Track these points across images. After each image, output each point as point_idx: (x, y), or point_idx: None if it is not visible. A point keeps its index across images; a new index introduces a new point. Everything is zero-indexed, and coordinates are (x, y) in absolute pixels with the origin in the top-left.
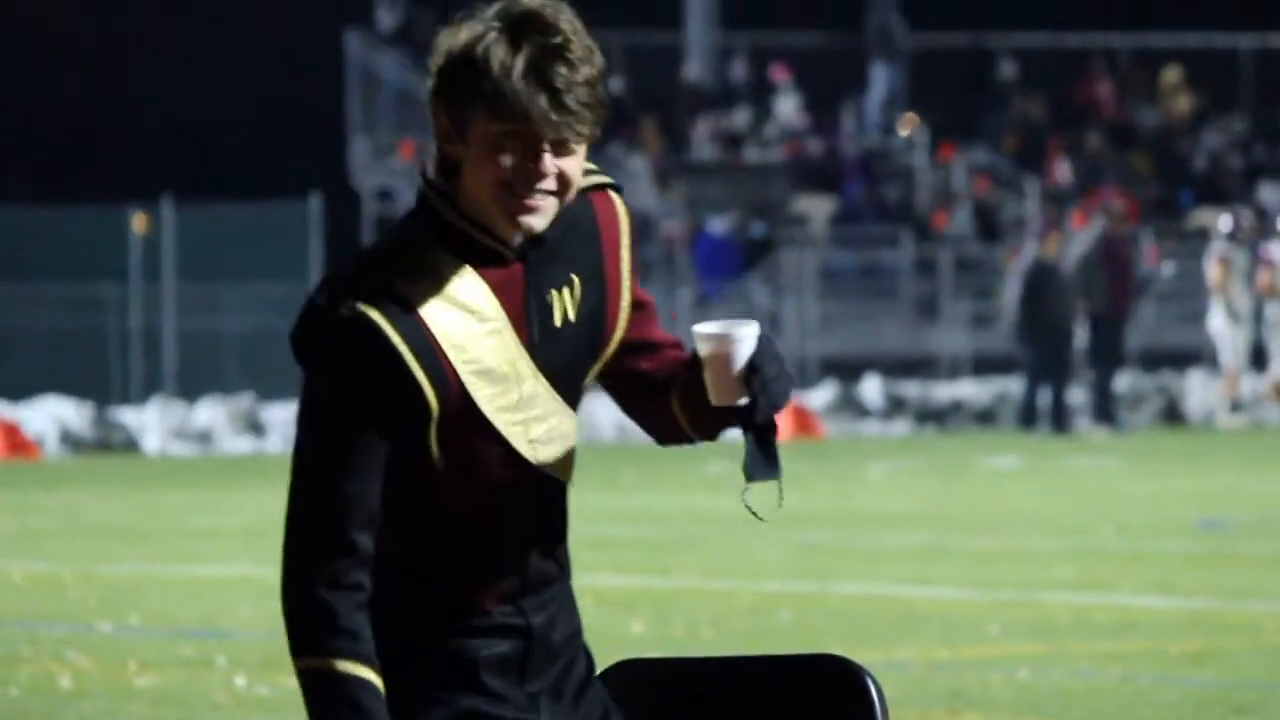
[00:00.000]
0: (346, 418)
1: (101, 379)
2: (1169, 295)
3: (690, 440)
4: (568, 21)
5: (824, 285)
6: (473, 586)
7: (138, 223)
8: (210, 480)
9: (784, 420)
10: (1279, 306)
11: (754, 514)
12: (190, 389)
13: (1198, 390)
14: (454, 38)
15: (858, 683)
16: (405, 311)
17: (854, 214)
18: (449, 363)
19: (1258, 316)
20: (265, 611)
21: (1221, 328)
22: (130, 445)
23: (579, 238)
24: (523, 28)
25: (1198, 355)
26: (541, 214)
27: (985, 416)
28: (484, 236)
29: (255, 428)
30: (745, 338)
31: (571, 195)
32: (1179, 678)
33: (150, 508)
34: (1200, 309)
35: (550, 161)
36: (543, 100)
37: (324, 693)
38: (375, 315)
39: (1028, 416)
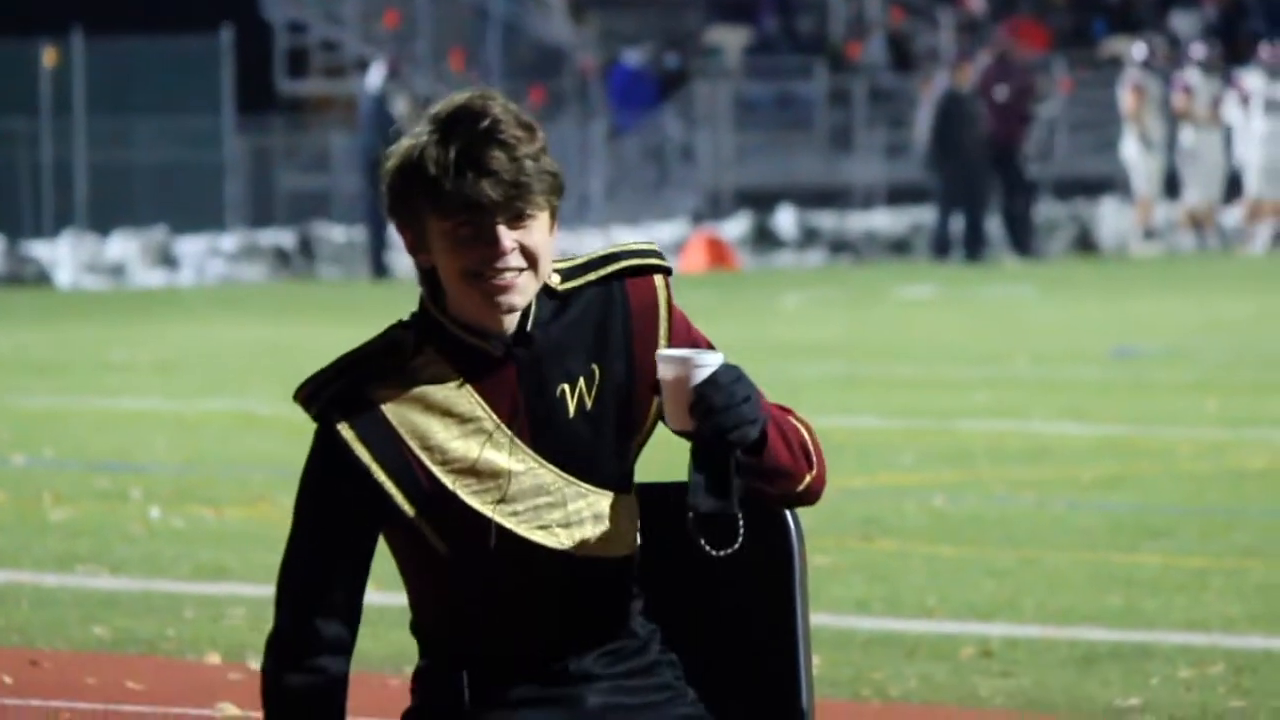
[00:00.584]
0: (318, 515)
1: (12, 213)
2: (1082, 124)
3: (773, 498)
4: (499, 106)
5: (738, 116)
6: (505, 662)
7: (47, 56)
8: (123, 314)
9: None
10: (1193, 132)
11: (704, 547)
12: (102, 222)
13: (1111, 218)
14: (395, 152)
15: (774, 512)
16: (373, 418)
17: (768, 45)
18: (421, 466)
19: (1170, 144)
20: (179, 444)
21: (1135, 155)
22: (42, 279)
23: (600, 325)
24: (451, 124)
25: (1111, 183)
26: (518, 291)
27: (900, 246)
28: (471, 338)
29: (168, 261)
30: (704, 365)
31: (547, 263)
32: (1092, 503)
33: (63, 341)
34: (1113, 137)
35: (508, 238)
36: (483, 185)
37: None
38: (339, 422)
39: (941, 245)
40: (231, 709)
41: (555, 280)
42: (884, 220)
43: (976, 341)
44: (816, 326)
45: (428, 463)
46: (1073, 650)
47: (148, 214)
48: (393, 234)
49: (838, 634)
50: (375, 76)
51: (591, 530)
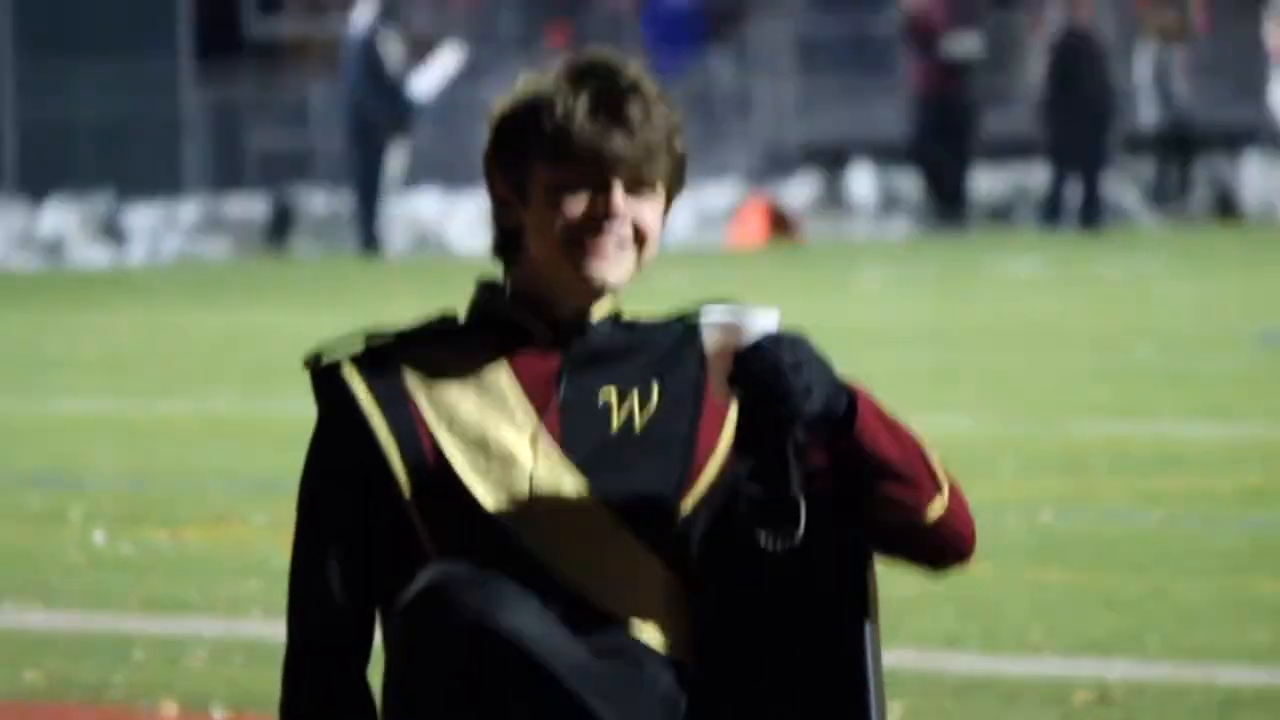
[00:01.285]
0: (320, 494)
1: None
2: (1220, 67)
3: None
4: (637, 69)
5: (802, 59)
6: None
7: None
8: (60, 298)
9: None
10: None
11: (759, 541)
12: (35, 188)
13: (1256, 177)
14: (510, 94)
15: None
16: (387, 373)
17: None
18: (424, 426)
19: None
20: (127, 454)
21: None
22: None
23: (669, 353)
24: (587, 72)
25: (1256, 135)
26: (615, 265)
27: (1001, 212)
28: (523, 314)
29: (114, 235)
30: (750, 327)
31: (651, 252)
32: (1232, 519)
33: None
34: (1258, 82)
35: (623, 201)
36: (615, 135)
37: None
38: (347, 370)
39: (1052, 211)
40: None
41: (629, 317)
42: (982, 181)
43: (1093, 325)
44: (899, 309)
45: (432, 422)
46: (1208, 695)
47: (90, 179)
48: (387, 203)
49: (924, 676)
50: (363, 15)
51: (616, 584)
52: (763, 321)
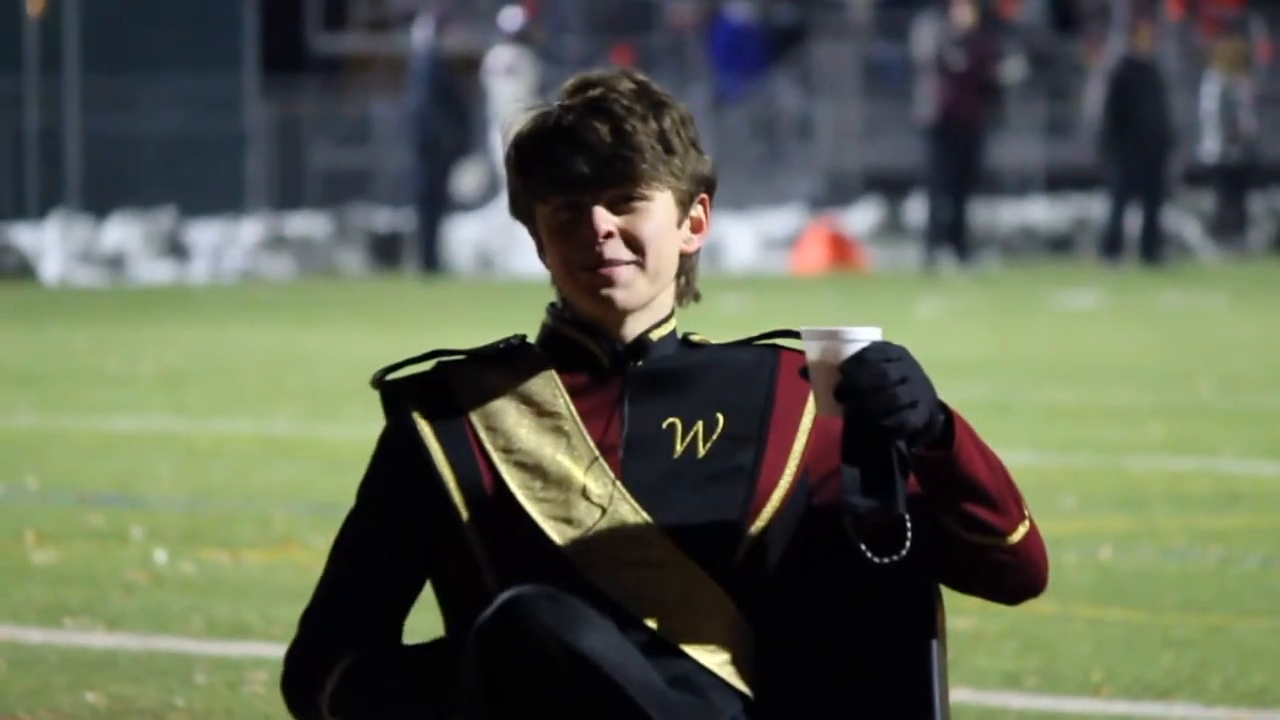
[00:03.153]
0: (370, 509)
1: None
2: (1276, 98)
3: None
4: (624, 78)
5: (866, 83)
6: None
7: (33, 4)
8: (122, 314)
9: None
10: None
11: (864, 552)
12: (98, 204)
13: None
14: (507, 139)
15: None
16: (446, 400)
17: None
18: (483, 453)
19: None
20: (188, 474)
21: None
22: (25, 271)
23: (738, 378)
24: (561, 98)
25: None
26: (622, 285)
27: (1061, 244)
28: (581, 335)
29: (176, 251)
30: (853, 340)
31: (656, 261)
32: None
33: (50, 347)
34: None
35: (607, 221)
36: (575, 159)
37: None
38: (407, 396)
39: (1112, 244)
40: None
41: (698, 338)
42: (1042, 212)
43: (1154, 360)
44: (958, 340)
45: (490, 448)
46: None
47: (153, 194)
48: (448, 222)
49: (983, 713)
50: (424, 30)
51: (678, 612)
52: (865, 336)
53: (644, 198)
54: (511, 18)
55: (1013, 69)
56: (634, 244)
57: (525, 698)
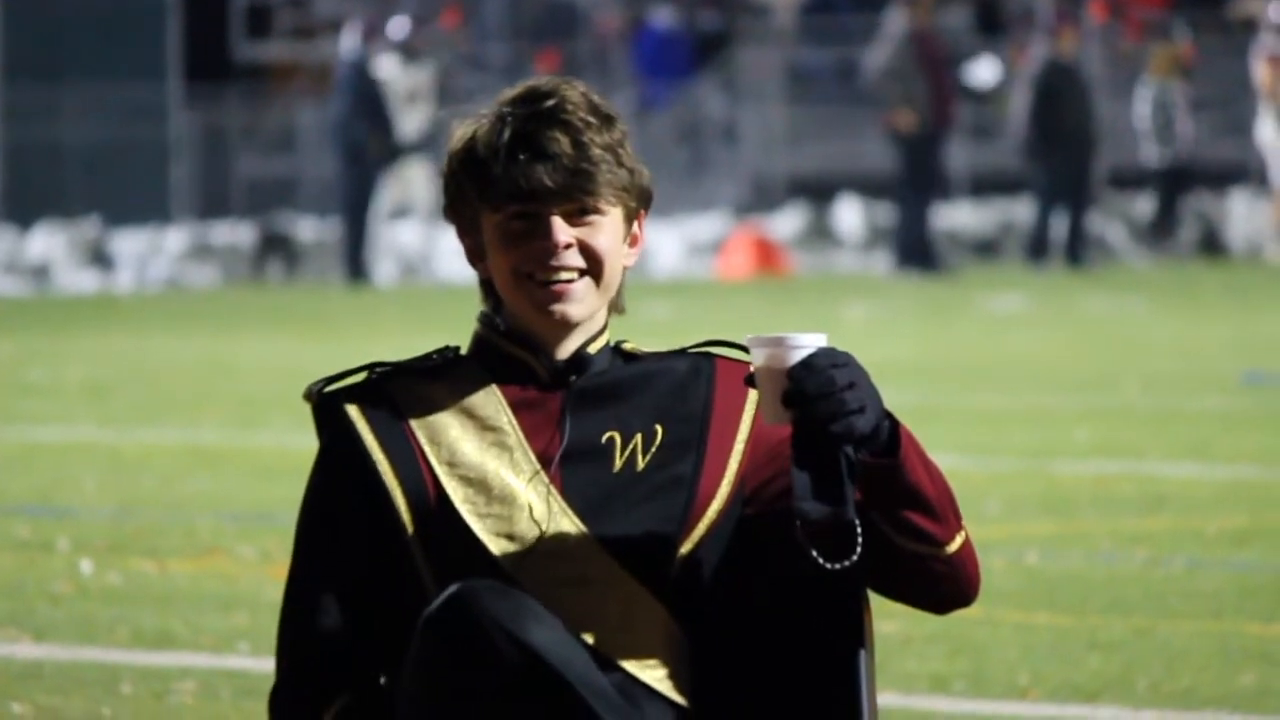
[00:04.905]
0: (319, 528)
1: None
2: (1208, 102)
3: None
4: (573, 90)
5: (791, 89)
6: None
7: None
8: (47, 324)
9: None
10: None
11: (816, 559)
12: (22, 213)
13: (1243, 215)
14: (451, 142)
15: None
16: (386, 409)
17: (828, 3)
18: (427, 465)
19: None
20: (114, 484)
21: (1272, 139)
22: None
23: (676, 389)
24: (512, 105)
25: (1243, 173)
26: (574, 299)
27: (986, 248)
28: (519, 351)
29: (101, 260)
30: (799, 346)
31: (612, 275)
32: (1218, 561)
33: None
34: (1246, 118)
35: (565, 232)
36: (538, 169)
37: None
38: (348, 405)
39: (1038, 247)
40: None
41: (630, 346)
42: (968, 216)
43: (1079, 364)
44: (884, 344)
45: (434, 461)
46: None
47: (77, 204)
48: (373, 231)
49: (911, 718)
50: (351, 39)
51: (616, 627)
52: (812, 342)
53: (599, 211)
54: (398, 26)
55: (985, 72)
56: (589, 255)
57: (470, 688)
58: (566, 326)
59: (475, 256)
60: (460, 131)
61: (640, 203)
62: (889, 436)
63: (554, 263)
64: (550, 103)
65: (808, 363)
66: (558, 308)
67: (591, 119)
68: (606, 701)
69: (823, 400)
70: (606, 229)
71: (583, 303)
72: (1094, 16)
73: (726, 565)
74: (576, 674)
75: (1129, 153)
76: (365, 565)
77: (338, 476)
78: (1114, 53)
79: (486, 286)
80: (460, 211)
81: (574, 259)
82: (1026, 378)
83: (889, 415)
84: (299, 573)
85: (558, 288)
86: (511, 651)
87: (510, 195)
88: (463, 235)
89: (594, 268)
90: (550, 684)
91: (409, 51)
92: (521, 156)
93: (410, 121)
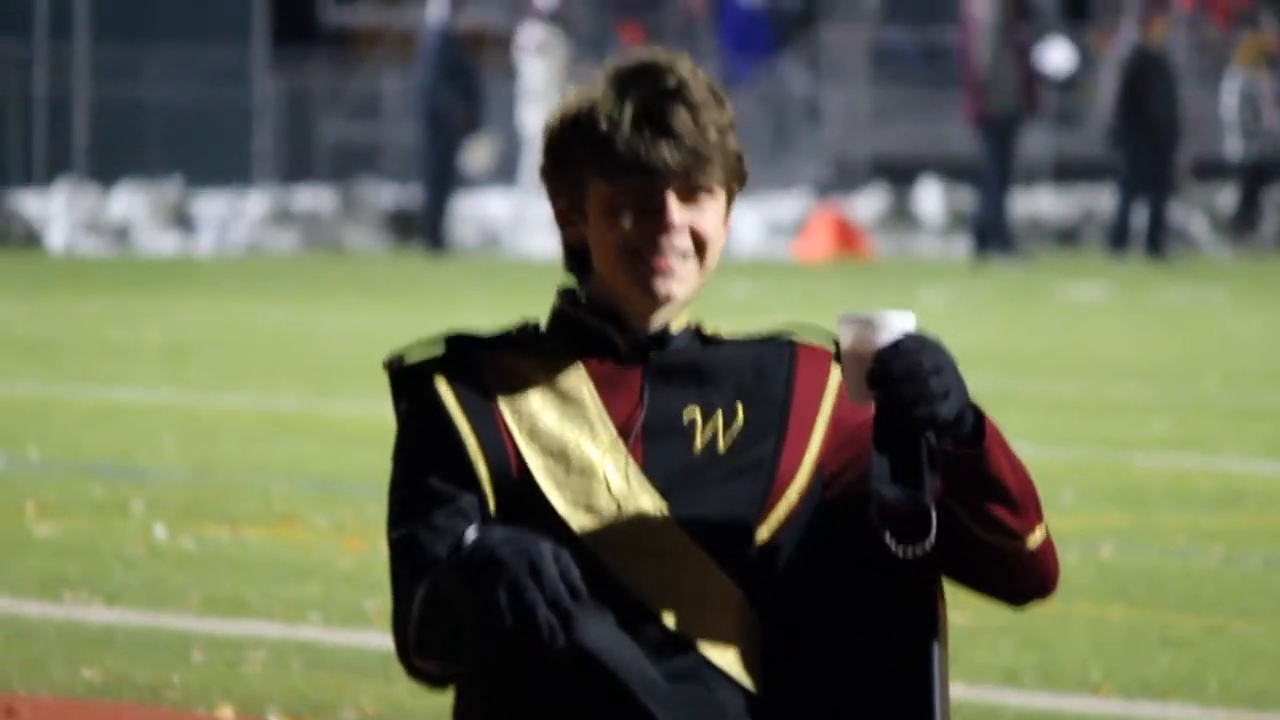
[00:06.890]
0: (418, 475)
1: None
2: None
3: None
4: (686, 68)
5: (875, 69)
6: None
7: None
8: (127, 285)
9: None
10: None
11: (889, 542)
12: (105, 173)
13: None
14: (560, 107)
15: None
16: (471, 380)
17: None
18: (509, 436)
19: None
20: (190, 447)
21: None
22: (31, 239)
23: (757, 372)
24: (631, 79)
25: None
26: (679, 279)
27: (1067, 235)
28: (604, 325)
29: (183, 222)
30: (888, 327)
31: (714, 258)
32: None
33: (54, 316)
34: None
35: (679, 212)
36: (662, 146)
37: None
38: (436, 375)
39: (1119, 237)
40: None
41: (710, 329)
42: (1049, 203)
43: (1158, 356)
44: (961, 330)
45: (515, 432)
46: None
47: (160, 165)
48: (455, 199)
49: (980, 711)
50: (438, 6)
51: (689, 605)
52: (900, 323)
53: (710, 192)
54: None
55: (1057, 56)
56: (697, 238)
57: (525, 691)
58: (667, 303)
59: (567, 220)
60: (573, 98)
61: (740, 185)
62: (973, 426)
63: (665, 242)
64: (672, 80)
65: (895, 344)
66: (662, 288)
67: (710, 99)
68: (664, 702)
69: (908, 383)
70: (713, 211)
71: (686, 283)
72: (1182, 4)
73: (802, 551)
74: (632, 674)
75: (1213, 143)
76: (463, 520)
77: (424, 449)
78: (1201, 41)
79: (573, 251)
80: (563, 175)
81: (683, 240)
82: (1105, 368)
83: (974, 406)
84: (405, 520)
85: (664, 264)
86: (562, 649)
87: (628, 169)
88: (557, 197)
89: (700, 249)
90: (606, 686)
91: (562, 21)
92: (647, 132)
93: (533, 115)
